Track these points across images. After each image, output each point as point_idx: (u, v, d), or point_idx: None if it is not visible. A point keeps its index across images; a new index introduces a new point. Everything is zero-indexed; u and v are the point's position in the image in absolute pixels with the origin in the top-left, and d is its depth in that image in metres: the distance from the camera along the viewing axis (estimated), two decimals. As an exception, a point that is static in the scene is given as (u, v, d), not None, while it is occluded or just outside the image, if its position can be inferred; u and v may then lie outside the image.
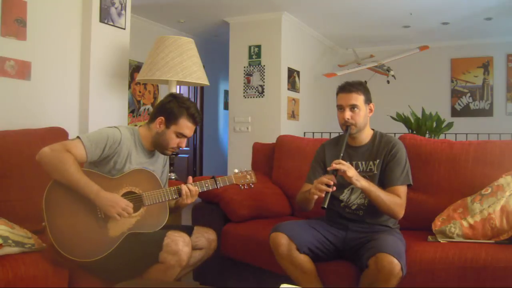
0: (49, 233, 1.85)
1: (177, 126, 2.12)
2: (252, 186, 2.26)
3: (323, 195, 1.97)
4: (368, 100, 2.21)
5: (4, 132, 2.44)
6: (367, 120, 2.23)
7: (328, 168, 2.04)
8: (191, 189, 2.09)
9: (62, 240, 1.86)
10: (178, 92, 2.69)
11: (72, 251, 1.86)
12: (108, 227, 1.95)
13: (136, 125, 2.23)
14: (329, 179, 1.97)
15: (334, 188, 1.97)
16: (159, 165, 2.27)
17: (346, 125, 2.18)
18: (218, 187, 2.18)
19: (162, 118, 2.13)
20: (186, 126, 2.14)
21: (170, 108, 2.13)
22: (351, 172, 2.00)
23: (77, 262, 1.89)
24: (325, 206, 1.95)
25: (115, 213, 1.92)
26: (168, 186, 2.23)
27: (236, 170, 2.25)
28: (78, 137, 1.99)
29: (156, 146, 2.18)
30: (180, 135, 2.14)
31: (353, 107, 2.16)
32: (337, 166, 1.99)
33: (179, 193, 2.09)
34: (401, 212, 2.11)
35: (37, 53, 2.87)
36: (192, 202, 2.15)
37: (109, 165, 2.05)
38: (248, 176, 2.25)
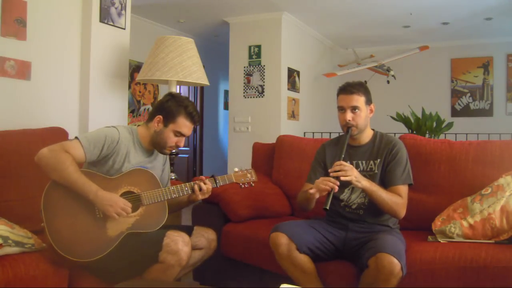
0: (47, 234, 1.85)
1: (175, 124, 2.13)
2: (253, 185, 2.24)
3: (324, 194, 1.97)
4: (369, 101, 2.21)
5: (4, 132, 2.43)
6: (368, 121, 2.23)
7: (330, 171, 2.04)
8: (202, 187, 2.11)
9: (60, 240, 1.86)
10: (178, 92, 2.69)
11: (71, 251, 1.86)
12: (107, 227, 1.95)
13: (136, 125, 2.24)
14: (334, 183, 1.96)
15: (336, 189, 1.97)
16: (159, 163, 2.27)
17: (347, 126, 2.18)
18: (218, 186, 2.17)
19: (160, 116, 2.13)
20: (184, 125, 2.14)
21: (168, 107, 2.14)
22: (352, 174, 1.99)
23: (76, 262, 1.88)
24: (327, 208, 1.95)
25: (114, 213, 1.92)
26: (170, 185, 2.23)
27: (236, 169, 2.24)
28: (76, 137, 2.00)
29: (155, 145, 2.18)
30: (178, 133, 2.14)
31: (354, 109, 2.16)
32: (339, 170, 1.99)
33: (182, 191, 2.10)
34: (402, 212, 2.11)
35: (37, 53, 2.87)
36: (199, 199, 2.17)
37: (107, 164, 2.05)
38: (249, 175, 2.24)
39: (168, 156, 2.35)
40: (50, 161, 1.90)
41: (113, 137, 2.04)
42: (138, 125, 2.23)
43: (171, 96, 2.19)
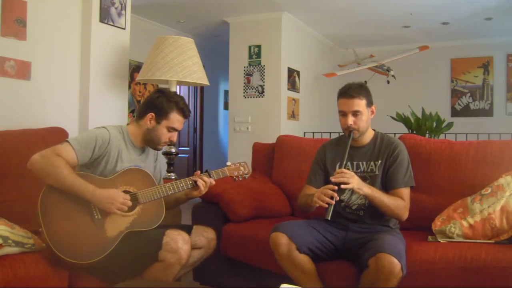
0: (46, 238, 1.85)
1: (168, 121, 2.15)
2: (247, 177, 2.27)
3: (325, 205, 1.97)
4: (370, 103, 2.20)
5: (4, 132, 2.43)
6: (369, 122, 2.23)
7: (331, 178, 2.04)
8: (205, 181, 2.13)
9: (60, 243, 1.86)
10: (178, 92, 2.70)
11: (71, 253, 1.86)
12: (106, 228, 1.95)
13: (126, 123, 2.24)
14: (333, 192, 1.96)
15: (338, 198, 1.98)
16: (150, 161, 2.28)
17: (348, 130, 2.17)
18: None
19: (152, 114, 2.14)
20: (177, 120, 2.17)
21: (159, 104, 2.14)
22: (352, 182, 2.00)
23: (77, 264, 1.88)
24: (329, 219, 1.96)
25: (115, 209, 1.92)
26: (163, 182, 2.24)
27: (229, 163, 2.26)
28: (67, 140, 1.99)
29: (148, 142, 2.19)
30: (171, 129, 2.17)
31: (355, 113, 2.15)
32: (340, 180, 1.99)
33: (178, 187, 2.10)
34: (405, 215, 2.11)
35: (37, 53, 2.87)
36: (202, 193, 2.17)
37: (100, 165, 2.05)
38: (242, 168, 2.26)
39: (159, 153, 2.35)
40: (43, 166, 1.89)
41: (103, 138, 2.04)
42: (128, 123, 2.23)
43: (160, 92, 2.19)
